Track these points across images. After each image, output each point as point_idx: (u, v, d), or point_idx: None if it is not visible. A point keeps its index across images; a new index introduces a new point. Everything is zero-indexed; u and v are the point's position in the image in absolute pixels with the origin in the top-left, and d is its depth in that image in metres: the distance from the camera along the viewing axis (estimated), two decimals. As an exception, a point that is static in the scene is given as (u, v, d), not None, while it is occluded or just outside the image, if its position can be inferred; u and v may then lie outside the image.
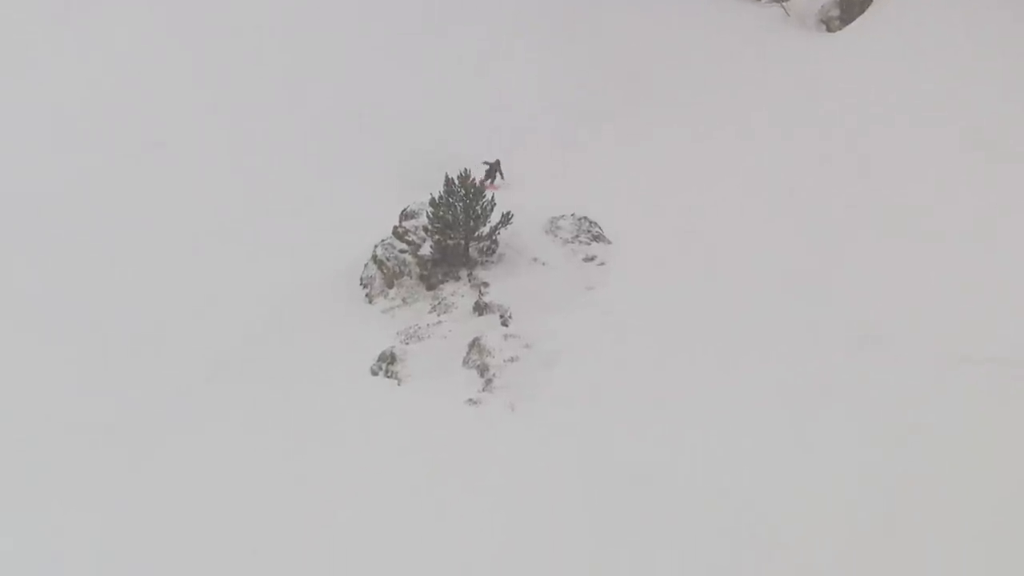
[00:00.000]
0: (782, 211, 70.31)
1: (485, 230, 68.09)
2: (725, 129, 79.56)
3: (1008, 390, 49.95)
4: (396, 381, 60.55)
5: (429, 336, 64.04)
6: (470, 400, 57.79)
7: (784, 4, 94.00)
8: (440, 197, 67.58)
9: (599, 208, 72.55)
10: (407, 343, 63.47)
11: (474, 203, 67.03)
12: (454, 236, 67.74)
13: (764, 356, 57.22)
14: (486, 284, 66.60)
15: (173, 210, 75.06)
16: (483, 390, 58.48)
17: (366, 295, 68.23)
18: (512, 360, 60.20)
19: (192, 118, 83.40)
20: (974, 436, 48.70)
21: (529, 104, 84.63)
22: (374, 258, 69.05)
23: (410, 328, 64.86)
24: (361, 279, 69.01)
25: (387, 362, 61.92)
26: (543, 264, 67.59)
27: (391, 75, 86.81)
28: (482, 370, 59.97)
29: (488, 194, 68.33)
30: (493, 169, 66.55)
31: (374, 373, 61.43)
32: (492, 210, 68.17)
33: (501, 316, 64.18)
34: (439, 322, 65.04)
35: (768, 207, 70.38)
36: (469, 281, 67.47)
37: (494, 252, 68.53)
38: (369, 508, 49.53)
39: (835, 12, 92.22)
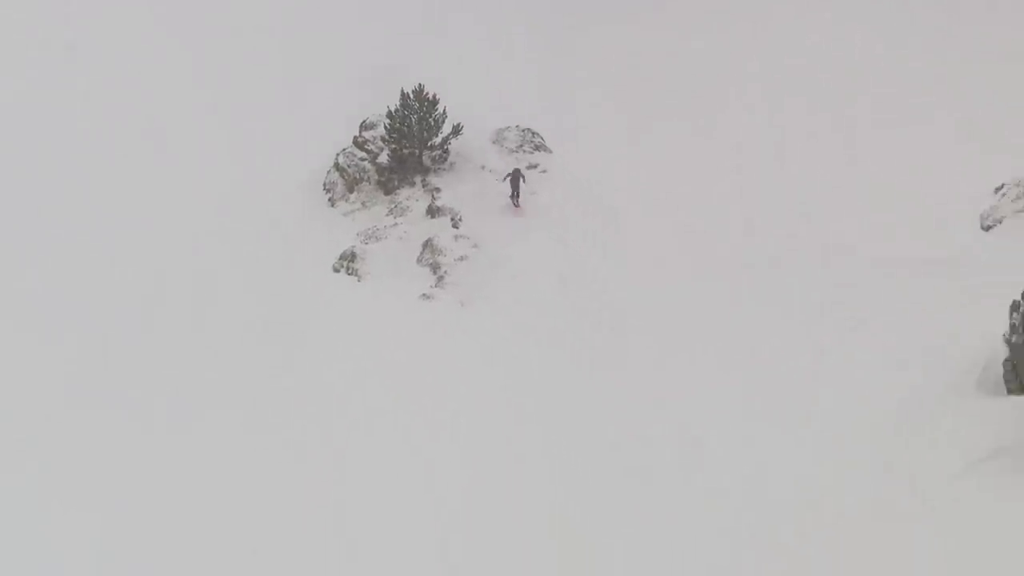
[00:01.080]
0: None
1: (437, 140, 74.63)
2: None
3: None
4: (356, 278, 67.14)
5: (386, 237, 70.53)
6: (424, 295, 64.43)
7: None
8: (396, 110, 74.02)
9: (542, 121, 79.03)
10: (366, 243, 69.99)
11: (427, 115, 73.53)
12: (409, 145, 74.15)
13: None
14: (438, 189, 73.28)
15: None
16: (435, 286, 65.10)
17: (328, 199, 74.74)
18: (462, 259, 66.83)
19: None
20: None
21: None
22: (336, 165, 75.59)
23: (369, 229, 71.36)
24: (324, 184, 75.38)
25: (348, 260, 68.47)
26: (490, 171, 74.14)
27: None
28: (435, 268, 66.59)
29: (440, 107, 74.51)
30: (515, 179, 67.88)
31: (336, 270, 67.95)
32: (444, 122, 74.69)
33: (452, 219, 70.78)
34: (395, 224, 71.55)
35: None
36: (423, 187, 74.10)
37: (446, 160, 74.99)
38: (330, 394, 55.33)
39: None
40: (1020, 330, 48.58)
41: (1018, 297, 49.34)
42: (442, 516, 45.52)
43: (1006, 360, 49.17)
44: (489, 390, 53.61)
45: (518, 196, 67.62)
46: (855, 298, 59.83)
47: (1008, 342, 49.24)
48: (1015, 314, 48.87)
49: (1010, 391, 48.87)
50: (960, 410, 47.76)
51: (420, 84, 72.81)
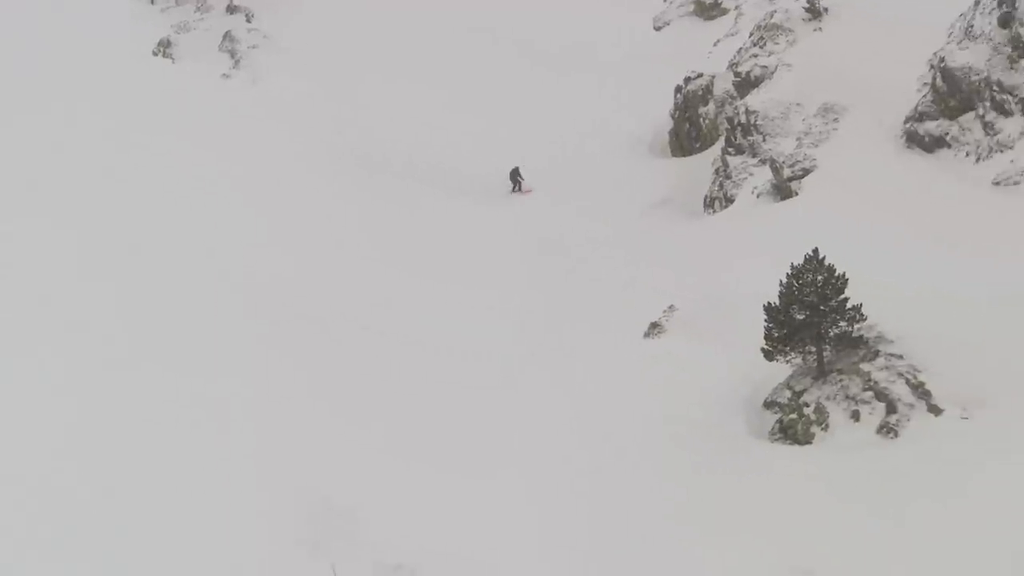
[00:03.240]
0: None
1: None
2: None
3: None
4: (171, 60, 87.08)
5: (195, 28, 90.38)
6: (224, 75, 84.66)
7: None
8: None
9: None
10: (179, 33, 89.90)
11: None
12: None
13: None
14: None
15: None
16: (233, 68, 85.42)
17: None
18: (254, 47, 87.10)
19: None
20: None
21: None
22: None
23: (181, 22, 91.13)
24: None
25: (164, 46, 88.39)
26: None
27: None
28: (232, 53, 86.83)
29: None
30: (515, 175, 67.57)
31: (154, 54, 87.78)
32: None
33: (247, 15, 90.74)
34: (202, 19, 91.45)
35: None
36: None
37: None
38: (142, 160, 69.70)
39: None
40: (681, 107, 70.67)
41: (680, 82, 71.65)
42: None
43: (670, 131, 71.56)
44: (271, 136, 73.35)
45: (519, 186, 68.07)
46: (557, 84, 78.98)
47: (672, 116, 71.56)
48: (678, 95, 71.11)
49: (673, 154, 71.59)
50: (640, 169, 69.44)
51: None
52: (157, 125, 72.36)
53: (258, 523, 35.09)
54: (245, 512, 35.64)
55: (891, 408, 37.25)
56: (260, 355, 45.11)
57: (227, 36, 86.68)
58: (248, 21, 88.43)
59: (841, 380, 38.59)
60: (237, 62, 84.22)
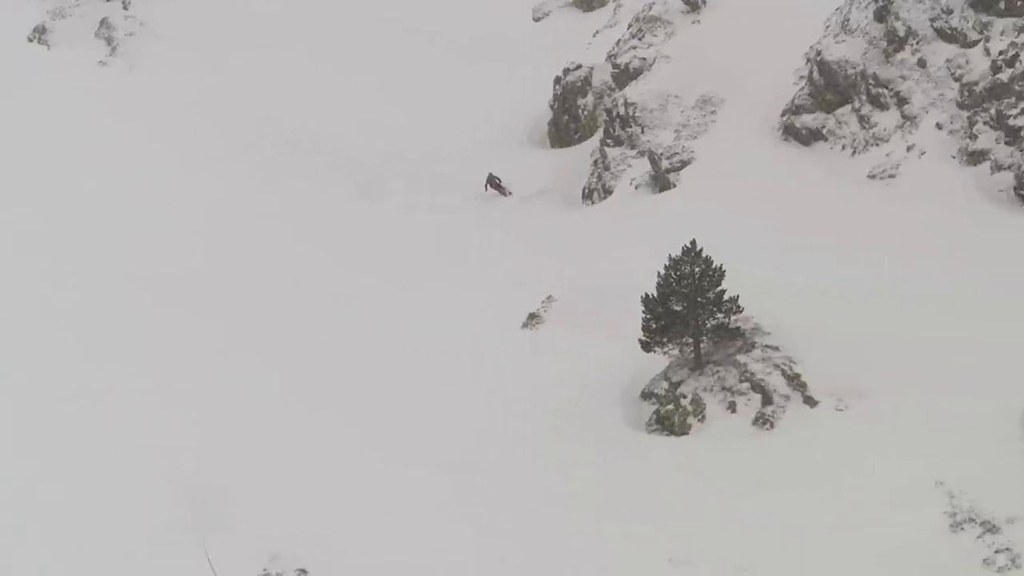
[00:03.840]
0: None
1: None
2: None
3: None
4: (46, 46, 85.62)
5: (71, 15, 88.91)
6: (100, 62, 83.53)
7: None
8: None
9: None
10: (55, 19, 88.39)
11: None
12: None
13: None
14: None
15: None
16: (110, 55, 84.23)
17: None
18: (131, 35, 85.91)
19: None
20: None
21: None
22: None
23: (56, 8, 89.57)
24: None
25: (39, 32, 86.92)
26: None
27: None
28: (109, 40, 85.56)
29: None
30: (494, 182, 63.44)
31: (30, 40, 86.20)
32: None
33: (123, 2, 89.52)
34: (78, 4, 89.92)
35: None
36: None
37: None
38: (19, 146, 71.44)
39: None
40: (560, 99, 70.72)
41: (559, 73, 71.69)
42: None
43: (549, 122, 71.65)
44: (149, 123, 72.67)
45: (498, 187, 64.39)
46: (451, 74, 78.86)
47: (551, 107, 71.61)
48: (557, 87, 71.14)
49: (552, 145, 71.73)
50: (519, 159, 69.39)
51: None
52: (33, 111, 72.89)
53: (134, 508, 35.45)
54: (121, 497, 35.99)
55: (767, 399, 37.59)
56: (155, 344, 45.63)
57: (103, 23, 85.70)
58: (125, 8, 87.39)
59: (718, 371, 38.87)
60: (114, 49, 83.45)
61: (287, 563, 33.38)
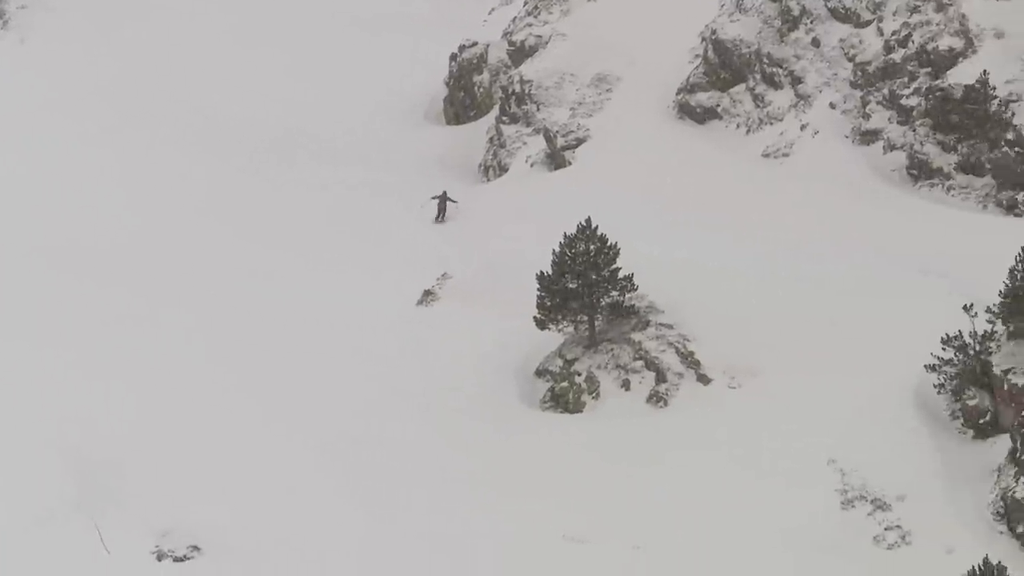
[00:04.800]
0: None
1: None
2: None
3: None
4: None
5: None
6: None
7: None
8: None
9: None
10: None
11: None
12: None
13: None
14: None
15: None
16: (1, 28, 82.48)
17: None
18: (23, 7, 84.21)
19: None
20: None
21: None
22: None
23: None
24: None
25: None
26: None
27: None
28: (1, 14, 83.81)
29: None
30: (442, 200, 54.96)
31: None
32: None
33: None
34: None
35: None
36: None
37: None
38: None
39: None
40: (456, 76, 70.18)
41: (455, 50, 71.14)
42: None
43: (445, 99, 71.20)
44: (42, 95, 70.73)
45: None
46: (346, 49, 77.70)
47: (447, 84, 71.26)
48: (453, 64, 70.69)
49: (448, 122, 71.31)
50: (415, 136, 68.88)
51: None
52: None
53: (24, 483, 34.70)
54: (10, 472, 35.20)
55: (661, 377, 37.65)
56: (53, 316, 44.67)
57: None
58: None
59: (612, 349, 38.84)
60: (5, 23, 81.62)
61: (180, 539, 32.86)
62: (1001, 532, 30.90)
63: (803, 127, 51.47)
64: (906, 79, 49.94)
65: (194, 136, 65.24)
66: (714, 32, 55.83)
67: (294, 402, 39.30)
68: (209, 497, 34.46)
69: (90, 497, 34.14)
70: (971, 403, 33.98)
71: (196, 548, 32.52)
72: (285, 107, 69.29)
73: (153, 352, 42.24)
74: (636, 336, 38.92)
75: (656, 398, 37.49)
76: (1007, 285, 32.90)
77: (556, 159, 56.48)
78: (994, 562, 26.20)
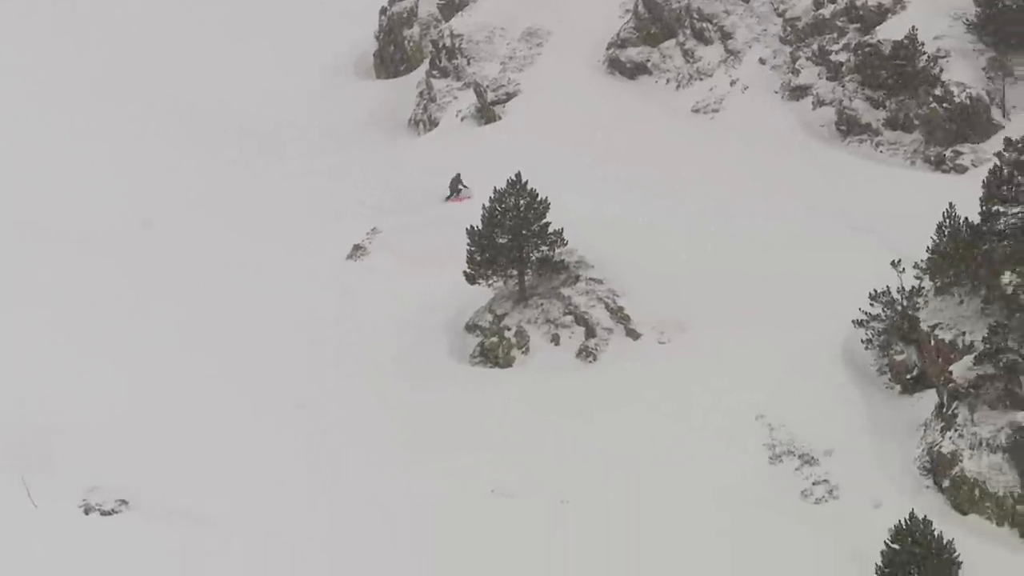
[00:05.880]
0: None
1: None
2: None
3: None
4: None
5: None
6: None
7: None
8: None
9: None
10: None
11: None
12: None
13: None
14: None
15: None
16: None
17: None
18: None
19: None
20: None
21: None
22: None
23: None
24: None
25: None
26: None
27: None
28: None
29: None
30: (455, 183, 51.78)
31: None
32: None
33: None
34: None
35: None
36: None
37: None
38: None
39: None
40: (386, 30, 69.58)
41: (385, 3, 70.56)
42: None
43: (375, 52, 70.71)
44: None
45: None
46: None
47: (377, 38, 70.56)
48: (383, 17, 70.09)
49: (378, 76, 70.75)
50: (344, 90, 68.43)
51: None
52: None
53: None
54: None
55: (590, 332, 37.71)
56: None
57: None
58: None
59: (542, 304, 38.90)
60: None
61: (108, 495, 32.64)
62: (927, 486, 31.12)
63: (733, 82, 51.57)
64: (835, 35, 50.18)
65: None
66: (645, -14, 55.69)
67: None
68: (142, 457, 34.27)
69: (21, 459, 33.70)
70: (898, 358, 34.15)
71: (124, 502, 32.38)
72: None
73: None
74: (566, 291, 38.99)
75: (586, 353, 37.54)
76: (934, 241, 32.90)
77: (486, 113, 56.34)
78: (920, 516, 26.42)
